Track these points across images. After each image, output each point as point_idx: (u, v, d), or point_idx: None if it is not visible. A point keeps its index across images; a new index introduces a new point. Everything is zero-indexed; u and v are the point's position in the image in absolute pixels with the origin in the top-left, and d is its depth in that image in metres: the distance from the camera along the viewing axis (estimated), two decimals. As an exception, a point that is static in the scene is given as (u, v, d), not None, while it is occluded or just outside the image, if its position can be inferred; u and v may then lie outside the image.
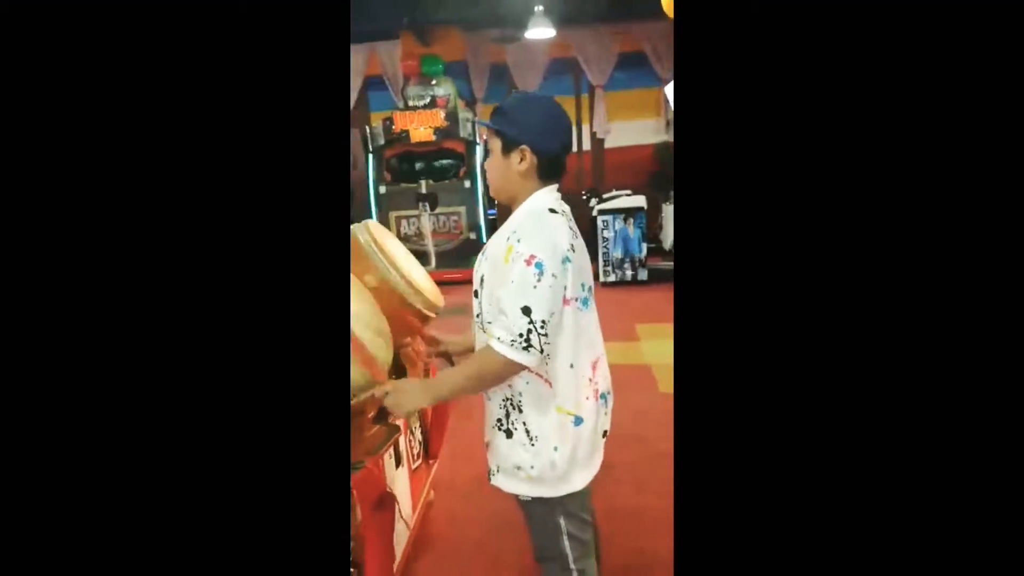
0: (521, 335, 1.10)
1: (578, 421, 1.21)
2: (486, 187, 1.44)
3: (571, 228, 1.22)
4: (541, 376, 1.18)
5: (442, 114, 5.89)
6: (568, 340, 1.18)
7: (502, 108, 1.24)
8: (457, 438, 2.29)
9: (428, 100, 6.09)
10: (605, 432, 1.32)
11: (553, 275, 1.12)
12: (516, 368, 1.13)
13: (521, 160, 1.20)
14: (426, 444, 2.15)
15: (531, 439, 1.21)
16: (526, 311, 1.10)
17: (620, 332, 4.08)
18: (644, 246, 5.42)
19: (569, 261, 1.16)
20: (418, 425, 2.10)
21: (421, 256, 5.77)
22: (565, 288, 1.15)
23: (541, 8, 5.26)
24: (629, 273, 5.46)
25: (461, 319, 1.49)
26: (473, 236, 6.14)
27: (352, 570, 1.42)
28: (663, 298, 4.73)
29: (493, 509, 1.33)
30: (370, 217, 6.10)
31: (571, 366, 1.20)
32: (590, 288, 1.25)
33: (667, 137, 6.85)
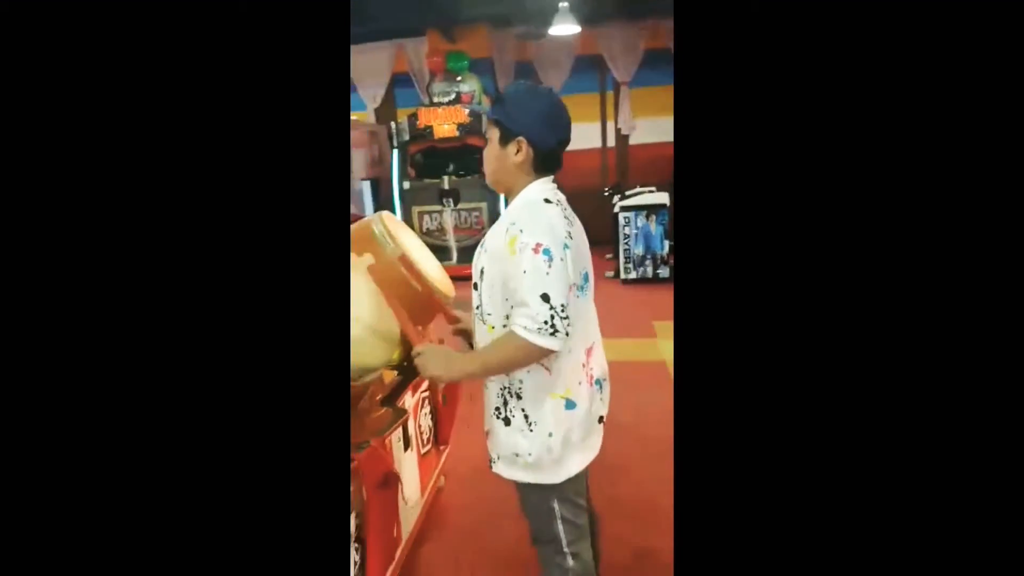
0: (546, 322, 1.12)
1: (570, 405, 1.23)
2: None
3: (567, 218, 1.23)
4: (541, 364, 1.20)
5: (466, 110, 5.93)
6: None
7: (502, 98, 1.25)
8: (467, 426, 2.33)
9: (453, 96, 6.14)
10: (602, 418, 1.34)
11: (561, 259, 1.15)
12: (544, 354, 1.15)
13: (518, 151, 1.21)
14: (436, 431, 2.20)
15: (529, 425, 1.22)
16: (545, 298, 1.12)
17: (638, 329, 4.08)
18: (666, 243, 5.39)
19: (568, 247, 1.17)
20: (428, 412, 2.14)
21: (443, 251, 5.87)
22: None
23: (566, 5, 5.25)
24: (650, 270, 5.43)
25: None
26: (495, 232, 6.15)
27: (355, 545, 1.46)
28: (683, 296, 4.68)
29: (501, 495, 1.36)
30: (394, 212, 6.21)
31: (569, 351, 1.21)
32: (587, 276, 1.27)
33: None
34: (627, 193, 5.67)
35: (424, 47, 6.82)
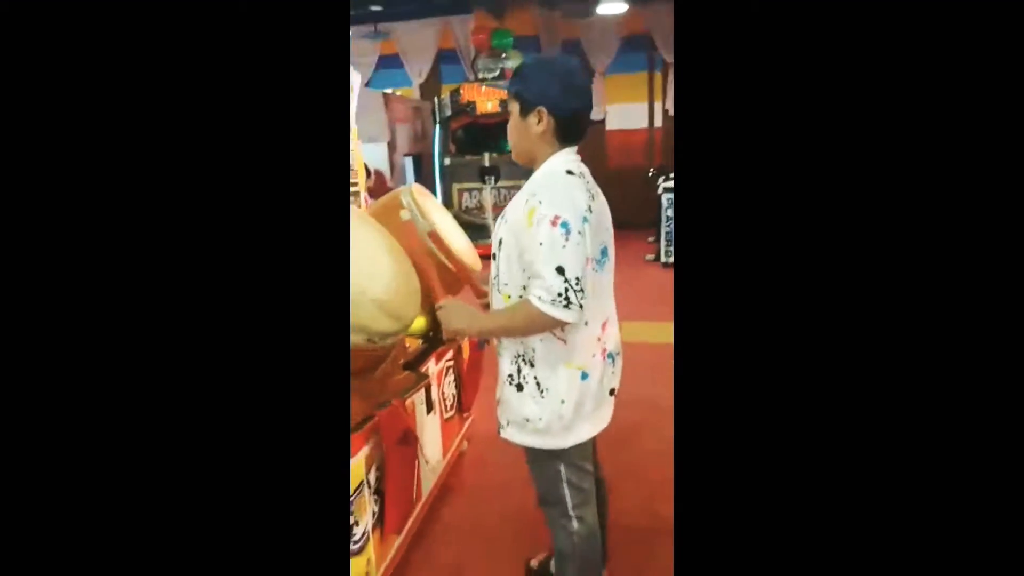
0: (560, 294, 1.14)
1: (584, 376, 1.27)
2: None
3: (588, 190, 1.23)
4: (555, 334, 1.24)
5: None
6: (587, 299, 1.20)
7: (519, 71, 1.27)
8: (491, 396, 2.41)
9: (497, 73, 6.15)
10: (613, 390, 1.37)
11: (579, 233, 1.15)
12: (556, 324, 1.18)
13: (539, 122, 1.22)
14: (459, 398, 2.29)
15: (541, 393, 1.26)
16: (560, 270, 1.14)
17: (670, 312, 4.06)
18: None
19: (587, 221, 1.18)
20: (452, 380, 2.23)
21: (481, 229, 5.93)
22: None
23: (614, -19, 5.16)
24: (690, 254, 5.35)
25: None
26: (534, 210, 6.16)
27: (375, 496, 1.57)
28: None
29: (519, 461, 1.42)
30: (434, 189, 6.30)
31: (585, 324, 1.24)
32: (605, 251, 1.28)
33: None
34: (671, 175, 5.59)
35: (471, 24, 6.83)
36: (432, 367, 2.01)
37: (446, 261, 1.76)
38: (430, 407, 1.96)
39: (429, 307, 1.59)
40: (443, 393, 2.13)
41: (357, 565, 1.48)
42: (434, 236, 1.75)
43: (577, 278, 1.15)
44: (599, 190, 1.31)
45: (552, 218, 1.15)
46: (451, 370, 2.21)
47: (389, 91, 7.20)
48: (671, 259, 5.40)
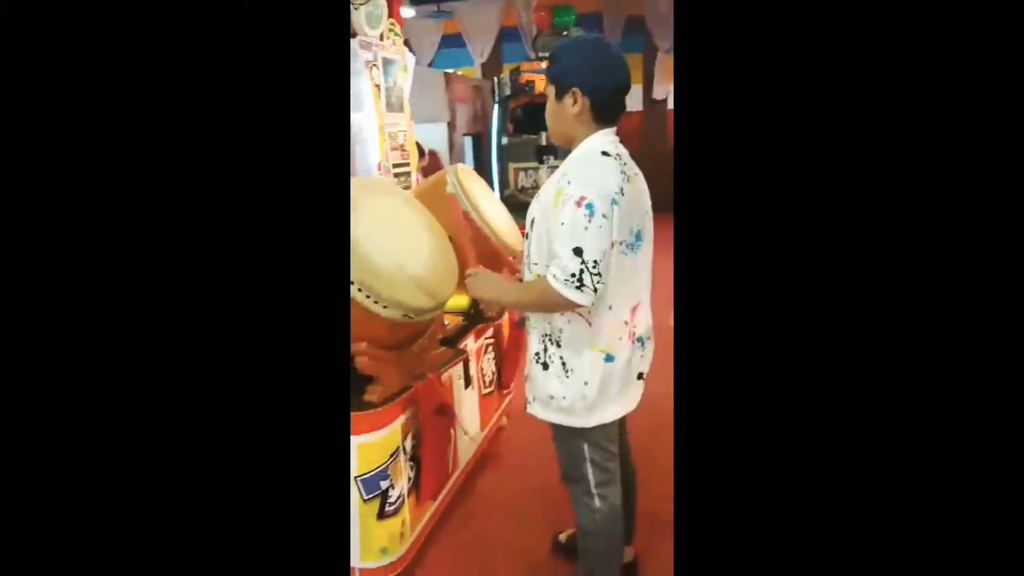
0: (574, 275, 1.15)
1: (609, 358, 1.28)
2: None
3: (623, 171, 1.22)
4: (582, 316, 1.26)
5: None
6: (610, 282, 1.21)
7: (554, 54, 1.28)
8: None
9: (557, 52, 6.07)
10: (641, 374, 1.38)
11: (604, 216, 1.15)
12: (570, 304, 1.18)
13: (574, 103, 1.22)
14: (499, 375, 2.35)
15: (566, 372, 1.29)
16: (578, 252, 1.14)
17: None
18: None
19: (616, 203, 1.17)
20: (492, 357, 2.30)
21: (536, 208, 5.92)
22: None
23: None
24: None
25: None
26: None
27: (411, 463, 1.66)
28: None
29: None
30: (491, 168, 6.34)
31: (609, 307, 1.25)
32: (640, 234, 1.27)
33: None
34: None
35: (533, 1, 6.77)
36: (471, 344, 2.08)
37: (489, 233, 1.81)
38: (468, 382, 2.03)
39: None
40: (482, 369, 2.20)
41: (392, 526, 1.58)
42: (471, 214, 1.80)
43: (595, 261, 1.15)
44: (638, 171, 1.30)
45: (578, 199, 1.15)
46: (491, 347, 2.27)
47: (451, 71, 7.26)
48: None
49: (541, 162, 6.05)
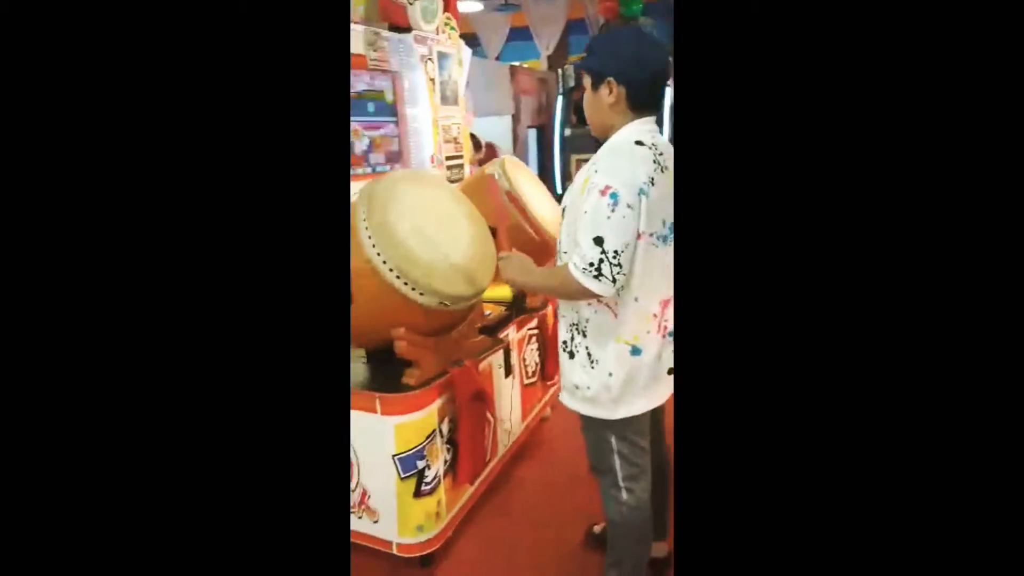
0: (592, 264, 1.14)
1: (635, 351, 1.27)
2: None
3: (657, 161, 1.20)
4: (609, 306, 1.26)
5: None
6: (636, 274, 1.21)
7: (590, 44, 1.28)
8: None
9: (624, 42, 5.97)
10: (671, 369, 1.37)
11: (628, 206, 1.13)
12: (589, 293, 1.18)
13: (609, 93, 1.22)
14: (543, 366, 2.38)
15: (592, 362, 1.29)
16: (598, 241, 1.13)
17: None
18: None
19: (644, 194, 1.16)
20: (536, 348, 2.32)
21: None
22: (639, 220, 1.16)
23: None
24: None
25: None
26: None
27: (447, 446, 1.72)
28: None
29: None
30: (553, 159, 6.34)
31: (635, 299, 1.24)
32: (672, 226, 1.24)
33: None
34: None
35: (601, -9, 6.66)
36: (513, 334, 2.12)
37: (523, 222, 1.84)
38: (508, 371, 2.06)
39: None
40: (524, 359, 2.22)
41: (428, 504, 1.65)
42: (512, 196, 1.82)
43: (616, 251, 1.14)
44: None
45: (603, 188, 1.14)
46: (535, 338, 2.30)
47: (516, 64, 7.29)
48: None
49: (603, 154, 5.98)
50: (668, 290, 1.29)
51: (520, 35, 7.54)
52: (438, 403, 1.65)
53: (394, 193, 1.55)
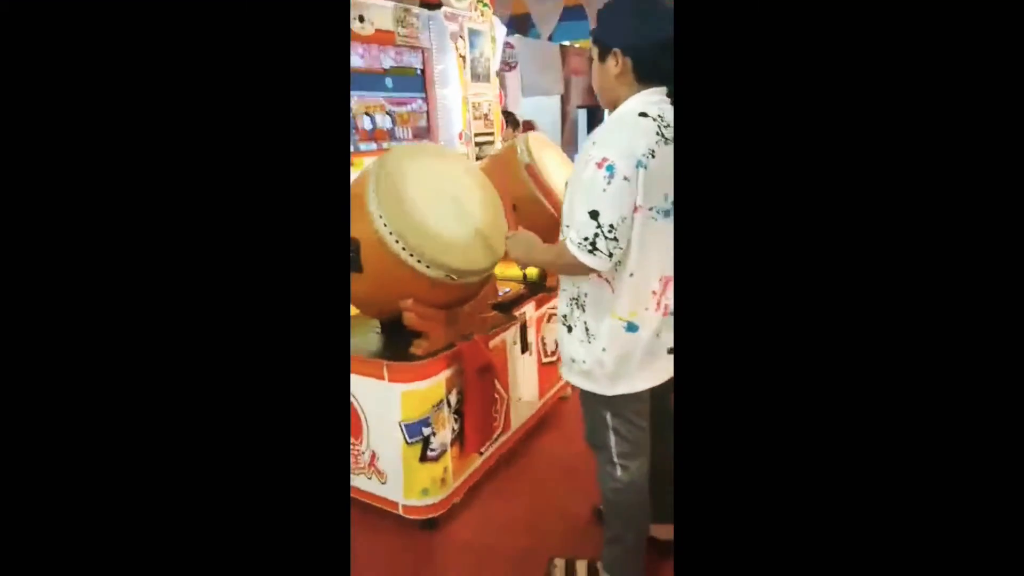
0: (587, 238, 1.13)
1: (631, 328, 1.25)
2: None
3: (660, 133, 1.17)
4: (608, 281, 1.24)
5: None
6: (633, 249, 1.19)
7: (599, 14, 1.25)
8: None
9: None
10: (671, 349, 1.36)
11: (625, 178, 1.11)
12: (585, 268, 1.17)
13: (616, 64, 1.20)
14: (563, 345, 2.38)
15: (588, 337, 1.29)
16: (594, 215, 1.12)
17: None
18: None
19: (643, 166, 1.13)
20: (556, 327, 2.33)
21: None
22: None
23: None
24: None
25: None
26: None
27: (455, 416, 1.76)
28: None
29: None
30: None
31: (631, 275, 1.22)
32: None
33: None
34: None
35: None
36: (531, 312, 2.13)
37: (540, 197, 1.84)
38: (525, 348, 2.08)
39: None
40: (543, 338, 2.24)
41: (433, 470, 1.71)
42: (531, 170, 1.82)
43: (612, 225, 1.13)
44: None
45: (599, 160, 1.13)
46: (555, 318, 2.30)
47: (567, 43, 7.18)
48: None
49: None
50: (669, 267, 1.26)
51: (573, 15, 7.40)
52: (446, 374, 1.70)
53: (404, 166, 1.59)
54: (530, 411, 2.19)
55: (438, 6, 2.33)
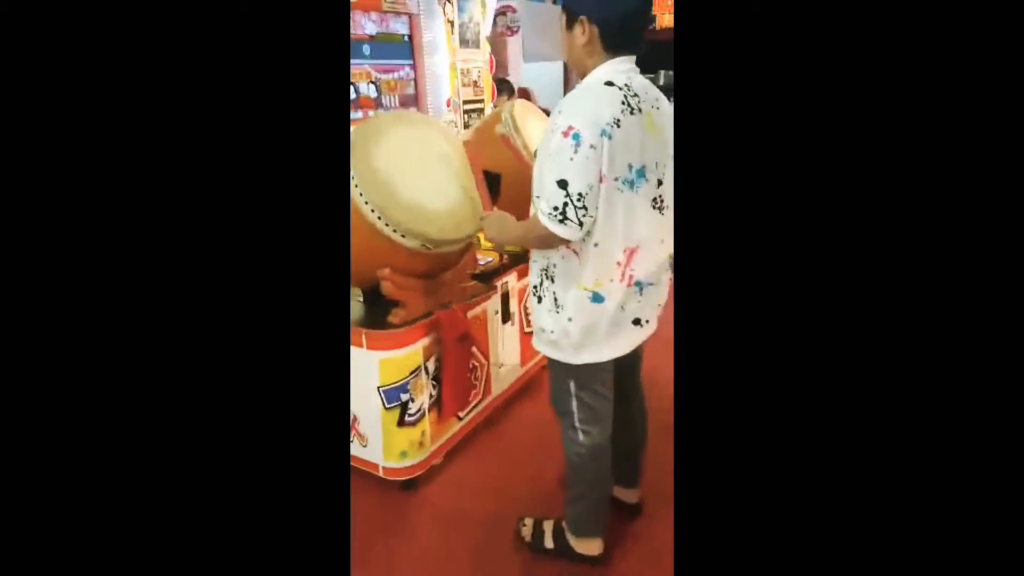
0: (556, 208, 1.14)
1: (597, 298, 1.27)
2: None
3: (626, 102, 1.16)
4: (576, 252, 1.25)
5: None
6: (599, 219, 1.19)
7: None
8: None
9: (686, -19, 5.61)
10: (638, 320, 1.35)
11: (592, 147, 1.11)
12: (558, 238, 1.18)
13: (582, 32, 1.19)
14: (548, 314, 2.42)
15: (556, 307, 1.31)
16: (562, 184, 1.12)
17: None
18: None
19: (607, 135, 1.12)
20: (540, 295, 2.36)
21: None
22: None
23: None
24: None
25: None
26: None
27: (433, 382, 1.81)
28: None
29: None
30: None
31: (595, 244, 1.22)
32: (641, 171, 1.20)
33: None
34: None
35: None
36: (513, 282, 2.16)
37: (519, 166, 1.85)
38: (507, 317, 2.12)
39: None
40: (527, 307, 2.27)
41: (412, 434, 1.77)
42: (506, 140, 1.83)
43: (580, 193, 1.13)
44: (657, 104, 1.24)
45: (565, 129, 1.12)
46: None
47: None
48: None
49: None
50: (636, 239, 1.26)
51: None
52: (423, 342, 1.74)
53: (380, 135, 1.60)
54: (513, 378, 2.25)
55: (426, -31, 2.30)
